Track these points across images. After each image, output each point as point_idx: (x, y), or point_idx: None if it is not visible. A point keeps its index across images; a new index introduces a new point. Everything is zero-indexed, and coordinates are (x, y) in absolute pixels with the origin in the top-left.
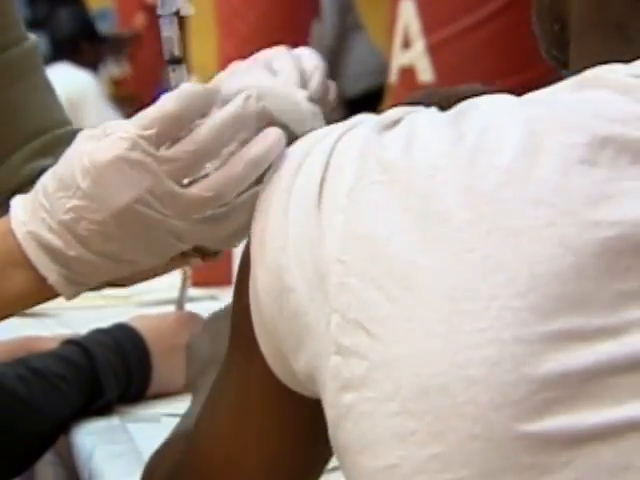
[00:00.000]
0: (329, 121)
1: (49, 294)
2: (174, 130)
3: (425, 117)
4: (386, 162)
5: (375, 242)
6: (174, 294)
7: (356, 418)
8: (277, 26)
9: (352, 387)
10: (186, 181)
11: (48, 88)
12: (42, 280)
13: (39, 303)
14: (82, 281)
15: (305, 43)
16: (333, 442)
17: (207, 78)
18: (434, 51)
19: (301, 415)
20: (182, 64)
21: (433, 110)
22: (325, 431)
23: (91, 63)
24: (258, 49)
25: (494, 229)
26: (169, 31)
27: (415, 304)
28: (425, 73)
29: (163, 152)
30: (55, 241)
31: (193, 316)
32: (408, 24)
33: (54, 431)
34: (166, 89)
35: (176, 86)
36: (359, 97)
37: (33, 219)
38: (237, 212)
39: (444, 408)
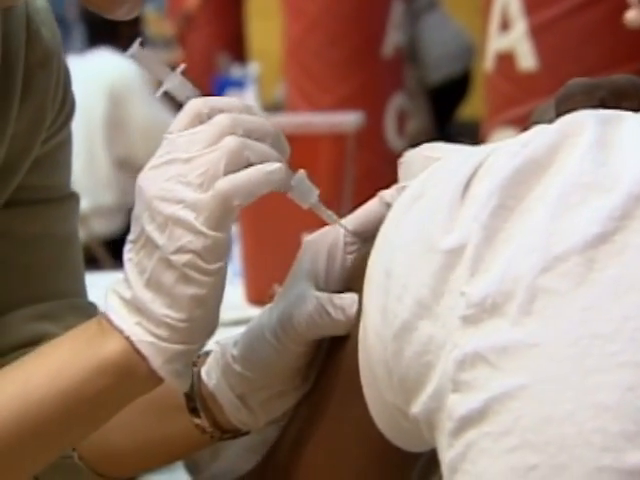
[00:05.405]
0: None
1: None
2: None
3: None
4: (514, 189)
5: (495, 272)
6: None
7: (474, 458)
8: (351, 6)
9: (470, 424)
10: None
11: (76, 256)
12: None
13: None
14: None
15: (383, 26)
16: None
17: (270, 66)
18: (536, 34)
19: (389, 460)
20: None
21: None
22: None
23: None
24: (329, 33)
25: (626, 247)
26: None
27: (541, 328)
28: (526, 59)
29: None
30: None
31: None
32: (507, 3)
33: None
34: (223, 79)
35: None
36: (441, 86)
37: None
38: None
39: (569, 438)
